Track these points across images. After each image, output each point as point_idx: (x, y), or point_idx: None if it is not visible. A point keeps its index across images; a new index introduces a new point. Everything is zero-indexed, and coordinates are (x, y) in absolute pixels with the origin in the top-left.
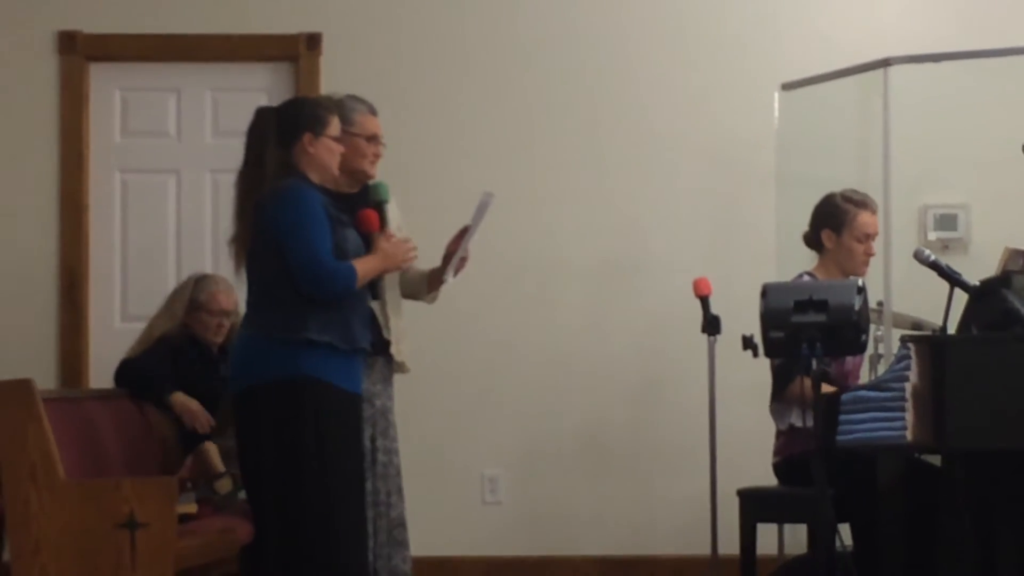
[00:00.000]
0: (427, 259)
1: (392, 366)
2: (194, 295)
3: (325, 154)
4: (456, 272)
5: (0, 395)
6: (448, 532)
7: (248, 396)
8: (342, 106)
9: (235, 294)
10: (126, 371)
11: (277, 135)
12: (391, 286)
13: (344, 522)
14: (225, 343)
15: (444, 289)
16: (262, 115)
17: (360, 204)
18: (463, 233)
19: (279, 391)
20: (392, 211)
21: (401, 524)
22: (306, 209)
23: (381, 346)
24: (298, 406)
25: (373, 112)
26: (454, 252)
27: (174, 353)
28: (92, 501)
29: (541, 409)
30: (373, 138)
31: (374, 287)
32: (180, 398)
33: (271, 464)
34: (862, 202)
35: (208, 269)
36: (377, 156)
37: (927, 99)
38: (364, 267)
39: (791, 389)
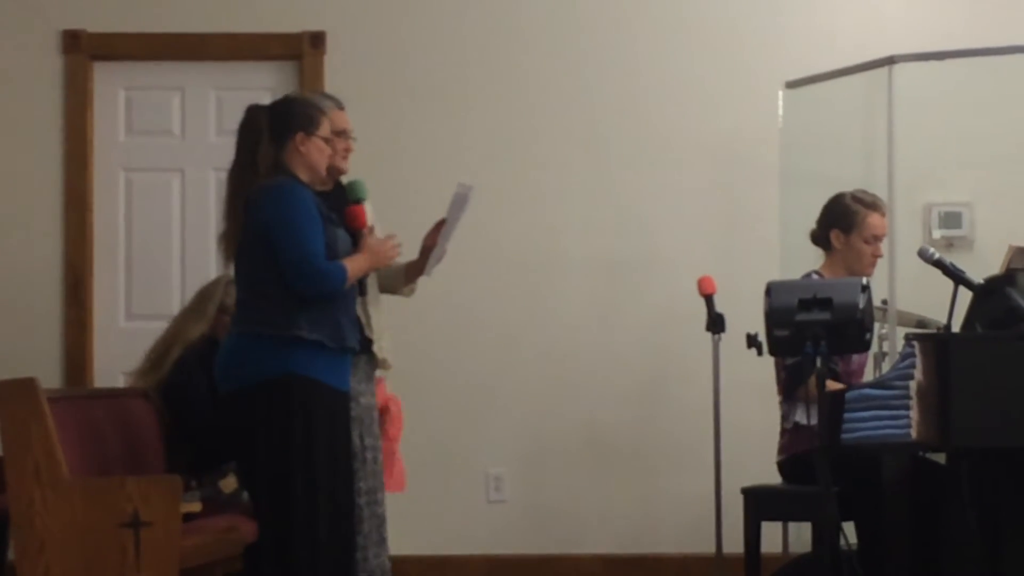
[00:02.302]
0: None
1: (374, 363)
2: (223, 299)
3: (315, 154)
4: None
5: (4, 394)
6: (452, 530)
7: (239, 395)
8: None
9: None
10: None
11: (269, 133)
12: (371, 283)
13: (332, 519)
14: None
15: (443, 286)
16: (253, 113)
17: (335, 203)
18: (440, 226)
19: (269, 390)
20: (368, 209)
21: (384, 521)
22: (299, 207)
23: (364, 344)
24: (288, 404)
25: (340, 107)
26: (432, 246)
27: (202, 368)
28: (96, 500)
29: (545, 407)
30: (343, 133)
31: (361, 284)
32: None
33: (262, 463)
34: (872, 204)
35: (212, 268)
36: (348, 151)
37: (932, 97)
38: (354, 266)
39: (802, 388)
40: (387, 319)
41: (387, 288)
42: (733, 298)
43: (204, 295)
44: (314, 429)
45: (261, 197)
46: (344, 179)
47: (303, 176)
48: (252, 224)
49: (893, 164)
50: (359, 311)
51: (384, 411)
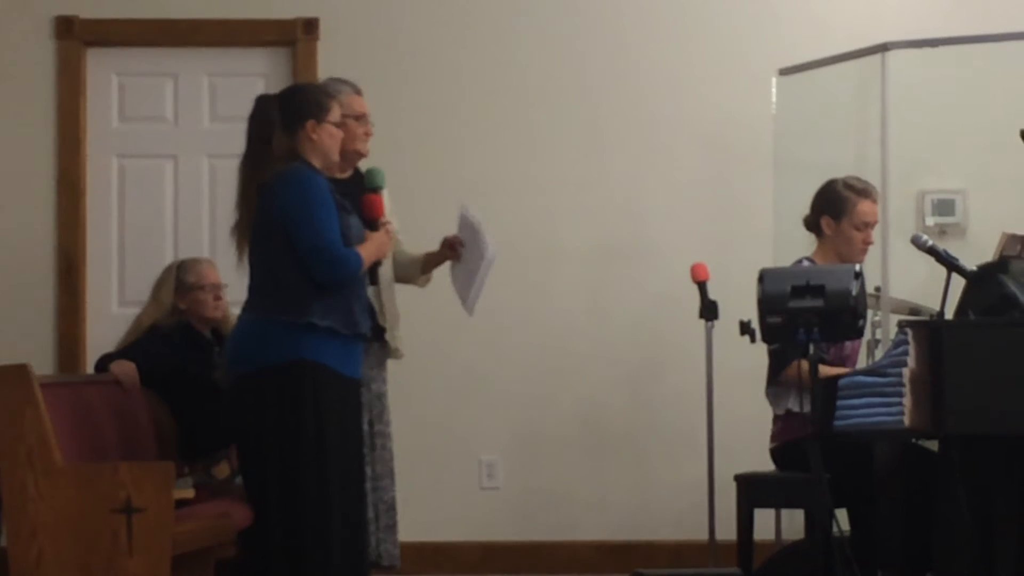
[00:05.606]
0: (426, 244)
1: (386, 351)
2: (181, 278)
3: (327, 140)
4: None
5: None
6: (446, 517)
7: (248, 380)
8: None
9: (217, 268)
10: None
11: (281, 123)
12: (385, 271)
13: (343, 506)
14: (222, 328)
15: (437, 273)
16: (263, 103)
17: (354, 190)
18: (457, 241)
19: (280, 375)
20: (385, 198)
21: (392, 508)
22: (315, 194)
23: (376, 331)
24: (298, 390)
25: (358, 91)
26: (454, 256)
27: (165, 341)
28: (89, 485)
29: (539, 394)
30: (361, 117)
31: (373, 273)
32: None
33: (271, 449)
34: (863, 190)
35: (205, 254)
36: (368, 135)
37: (925, 84)
38: (365, 254)
39: (788, 373)
40: (400, 309)
41: (402, 278)
42: (726, 285)
43: (157, 285)
44: (324, 416)
45: (277, 184)
46: (363, 165)
47: (317, 163)
48: (268, 210)
49: (886, 151)
50: (372, 299)
51: None
